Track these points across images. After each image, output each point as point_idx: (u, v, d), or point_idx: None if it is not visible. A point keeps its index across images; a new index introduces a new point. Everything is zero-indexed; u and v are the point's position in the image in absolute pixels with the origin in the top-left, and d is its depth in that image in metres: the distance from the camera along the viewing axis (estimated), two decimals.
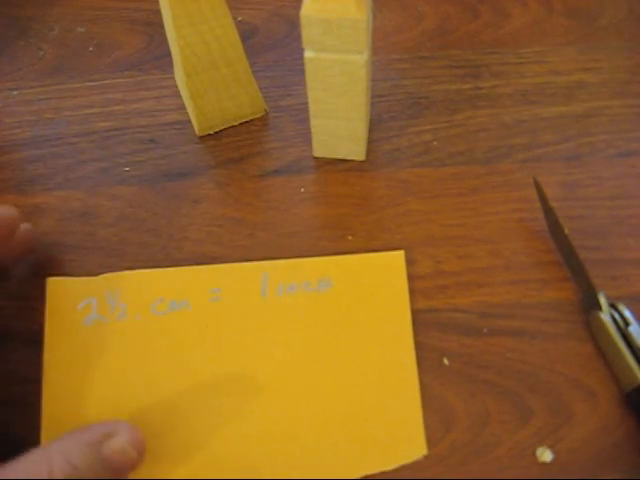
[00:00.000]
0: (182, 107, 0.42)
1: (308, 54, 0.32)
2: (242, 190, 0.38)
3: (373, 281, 0.32)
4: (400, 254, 0.33)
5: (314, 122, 0.36)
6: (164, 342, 0.31)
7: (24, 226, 0.33)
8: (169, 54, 0.40)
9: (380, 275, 0.32)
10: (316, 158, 0.39)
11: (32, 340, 0.32)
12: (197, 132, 0.40)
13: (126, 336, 0.31)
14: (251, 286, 0.32)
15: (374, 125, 0.40)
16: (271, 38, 0.46)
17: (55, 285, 0.32)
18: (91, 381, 0.30)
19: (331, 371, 0.30)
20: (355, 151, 0.38)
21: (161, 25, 0.38)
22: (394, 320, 0.31)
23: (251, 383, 0.30)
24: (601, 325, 0.31)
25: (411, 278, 0.34)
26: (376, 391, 0.30)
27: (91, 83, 0.44)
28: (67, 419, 0.29)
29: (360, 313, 0.31)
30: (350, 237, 0.36)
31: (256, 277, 0.32)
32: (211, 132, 0.40)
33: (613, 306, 0.31)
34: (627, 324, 0.30)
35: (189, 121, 0.41)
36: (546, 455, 0.29)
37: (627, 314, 0.31)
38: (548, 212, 0.34)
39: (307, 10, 0.30)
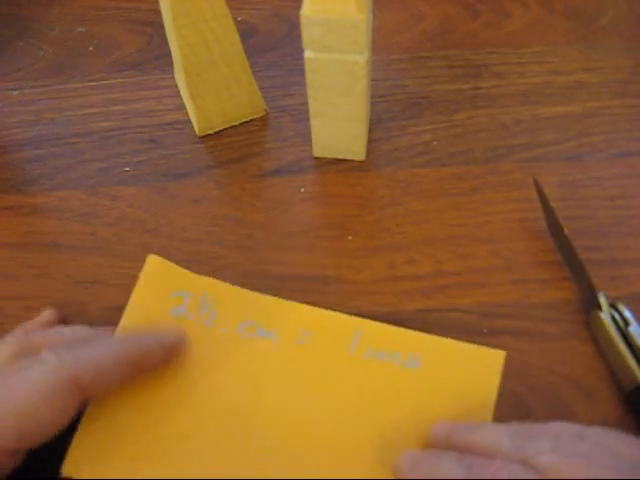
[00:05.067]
0: (182, 107, 0.42)
1: (308, 54, 0.32)
2: (242, 190, 0.38)
3: (462, 374, 0.29)
4: (500, 354, 0.29)
5: (314, 122, 0.36)
6: (239, 364, 0.30)
7: None
8: (169, 54, 0.40)
9: (472, 370, 0.29)
10: (316, 158, 0.39)
11: None
12: (197, 132, 0.40)
13: (206, 343, 0.30)
14: (341, 339, 0.30)
15: (374, 125, 0.40)
16: (271, 38, 0.46)
17: (155, 264, 0.31)
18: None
19: (394, 448, 0.28)
20: (355, 151, 0.38)
21: (161, 25, 0.38)
22: (472, 419, 0.29)
23: (315, 434, 0.28)
24: (601, 325, 0.31)
25: (411, 278, 0.34)
26: None
27: (91, 83, 0.44)
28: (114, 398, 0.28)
29: (439, 402, 0.29)
30: (350, 237, 0.36)
31: (348, 332, 0.31)
32: (211, 132, 0.40)
33: (613, 306, 0.31)
34: (627, 324, 0.30)
35: (189, 121, 0.41)
36: None
37: (627, 314, 0.31)
38: (548, 212, 0.34)
39: (307, 10, 0.30)
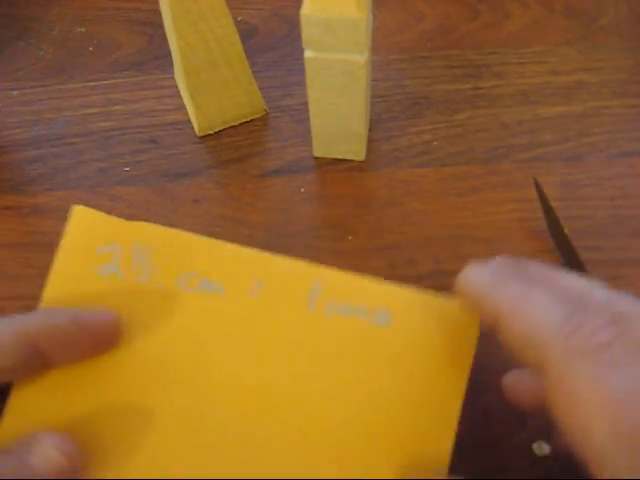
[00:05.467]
0: (182, 107, 0.42)
1: (308, 54, 0.32)
2: (242, 190, 0.38)
3: (437, 329, 0.26)
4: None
5: (314, 122, 0.36)
6: (183, 324, 0.26)
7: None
8: (169, 54, 0.40)
9: (448, 325, 0.26)
10: (316, 158, 0.39)
11: None
12: (197, 132, 0.40)
13: (142, 303, 0.26)
14: (298, 292, 0.26)
15: (374, 125, 0.40)
16: (271, 38, 0.46)
17: (79, 215, 0.27)
18: None
19: (363, 412, 0.25)
20: (355, 151, 0.38)
21: (161, 25, 0.38)
22: (445, 380, 0.26)
23: (275, 401, 0.25)
24: None
25: (411, 278, 0.34)
26: (407, 443, 0.25)
27: (91, 83, 0.44)
28: None
29: (413, 361, 0.25)
30: (350, 237, 0.36)
31: (306, 283, 0.26)
32: (211, 132, 0.40)
33: None
34: None
35: (189, 121, 0.41)
36: (543, 448, 0.29)
37: None
38: (548, 212, 0.34)
39: (307, 10, 0.30)
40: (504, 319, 0.20)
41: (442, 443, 0.25)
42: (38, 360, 0.24)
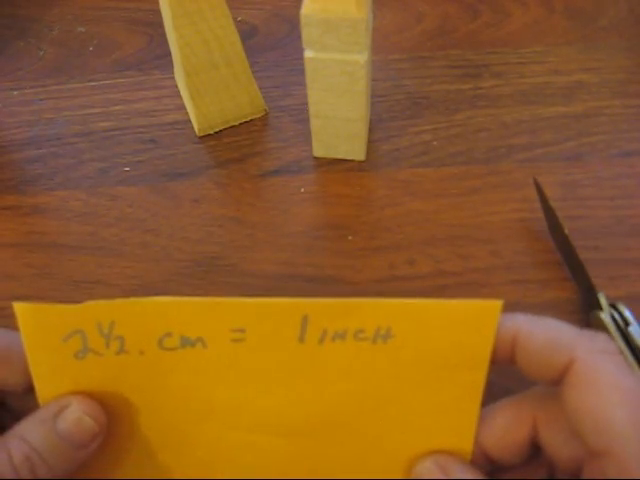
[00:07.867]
0: (182, 107, 0.42)
1: (308, 54, 0.32)
2: (242, 190, 0.38)
3: (446, 337, 0.24)
4: (495, 305, 0.23)
5: (314, 122, 0.36)
6: (179, 381, 0.25)
7: None
8: (169, 54, 0.40)
9: (457, 330, 0.24)
10: (316, 158, 0.39)
11: None
12: (197, 132, 0.40)
13: (131, 374, 0.25)
14: (285, 329, 0.25)
15: (374, 125, 0.40)
16: (271, 38, 0.46)
17: (26, 313, 0.25)
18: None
19: (378, 441, 0.25)
20: (355, 151, 0.38)
21: (161, 25, 0.38)
22: (462, 390, 0.25)
23: (274, 441, 0.25)
24: (601, 325, 0.31)
25: (411, 278, 0.34)
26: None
27: (91, 83, 0.44)
28: None
29: (422, 375, 0.25)
30: (350, 237, 0.36)
31: (291, 318, 0.25)
32: (211, 132, 0.40)
33: (613, 306, 0.31)
34: (627, 324, 0.30)
35: (189, 121, 0.41)
36: None
37: (627, 314, 0.31)
38: (548, 212, 0.34)
39: (307, 10, 0.30)
40: (524, 335, 0.23)
41: (463, 444, 0.25)
42: None
